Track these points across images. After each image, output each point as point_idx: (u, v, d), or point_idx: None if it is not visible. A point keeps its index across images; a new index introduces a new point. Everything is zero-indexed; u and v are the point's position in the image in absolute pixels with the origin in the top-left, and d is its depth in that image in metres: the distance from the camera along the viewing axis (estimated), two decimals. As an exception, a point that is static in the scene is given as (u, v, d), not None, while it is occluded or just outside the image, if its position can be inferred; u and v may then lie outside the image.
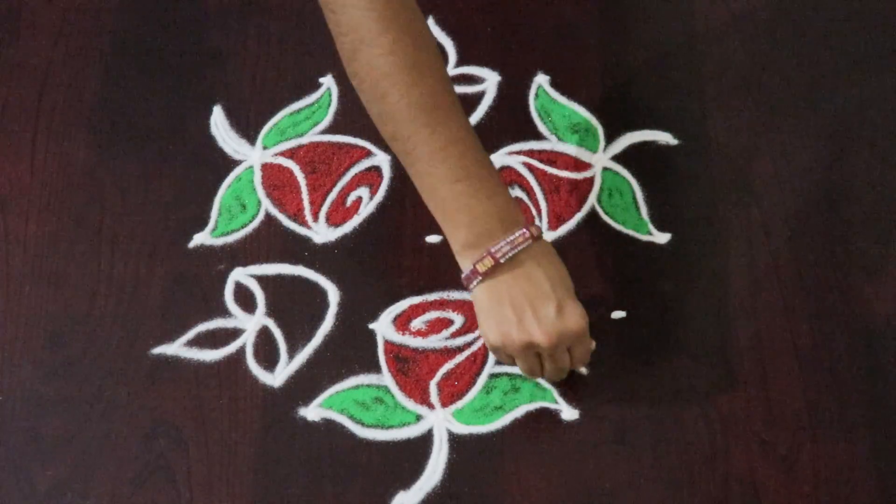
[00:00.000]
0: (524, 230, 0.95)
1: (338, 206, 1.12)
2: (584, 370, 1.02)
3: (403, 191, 1.13)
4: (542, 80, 1.19)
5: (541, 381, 1.03)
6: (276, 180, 1.14)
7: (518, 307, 0.95)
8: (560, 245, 1.09)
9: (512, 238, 0.94)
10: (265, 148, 1.16)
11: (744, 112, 1.17)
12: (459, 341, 1.05)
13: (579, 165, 1.14)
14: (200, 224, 1.12)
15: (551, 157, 1.14)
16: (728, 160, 1.14)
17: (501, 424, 1.01)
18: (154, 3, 1.26)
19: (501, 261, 0.94)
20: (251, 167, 1.15)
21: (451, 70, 1.18)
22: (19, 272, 1.10)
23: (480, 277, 0.95)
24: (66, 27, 1.24)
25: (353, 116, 1.17)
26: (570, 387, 1.02)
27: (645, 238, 1.10)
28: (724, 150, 1.15)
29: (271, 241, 1.11)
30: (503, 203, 0.96)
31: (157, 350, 1.05)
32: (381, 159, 1.15)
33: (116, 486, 0.99)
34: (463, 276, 0.97)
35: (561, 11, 1.24)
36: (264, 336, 1.06)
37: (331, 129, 1.17)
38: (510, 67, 1.20)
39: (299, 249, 1.10)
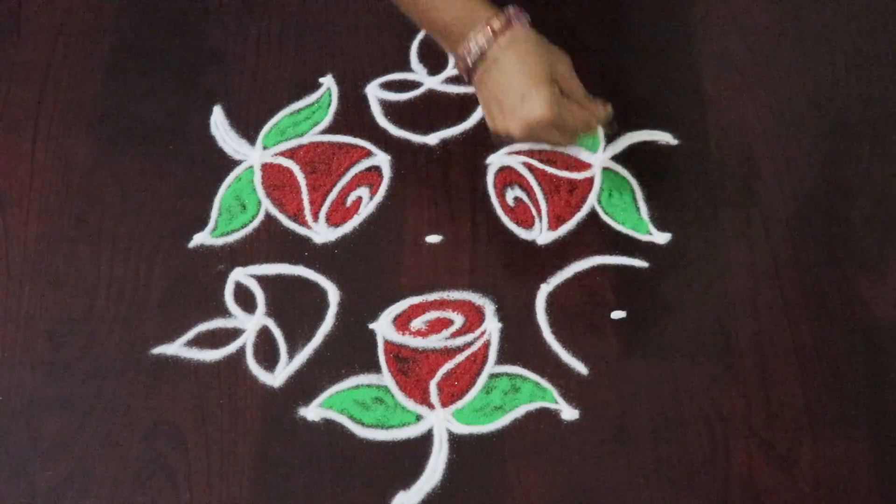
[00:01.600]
0: (485, 29, 0.99)
1: (338, 206, 1.12)
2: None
3: (403, 191, 1.13)
4: (542, 79, 1.19)
5: (543, 382, 1.03)
6: (276, 180, 1.14)
7: (495, 102, 1.00)
8: (560, 245, 1.09)
9: (471, 42, 1.00)
10: (265, 148, 1.16)
11: (744, 112, 1.17)
12: (459, 341, 1.05)
13: (579, 165, 1.14)
14: (200, 224, 1.12)
15: (551, 157, 1.14)
16: (728, 160, 1.14)
17: (501, 424, 1.01)
18: (154, 2, 1.26)
19: (471, 64, 1.01)
20: (251, 167, 1.15)
21: (451, 71, 1.18)
22: (19, 272, 1.10)
23: (466, 77, 1.03)
24: (66, 27, 1.24)
25: (353, 116, 1.17)
26: (570, 387, 1.02)
27: (645, 238, 1.10)
28: (724, 150, 1.15)
29: (271, 241, 1.11)
30: (461, 5, 1.00)
31: (157, 350, 1.05)
32: (381, 159, 1.15)
33: (116, 486, 0.99)
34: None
35: (561, 11, 1.24)
36: (264, 336, 1.06)
37: (331, 129, 1.17)
38: (510, 67, 1.20)
39: (299, 249, 1.10)
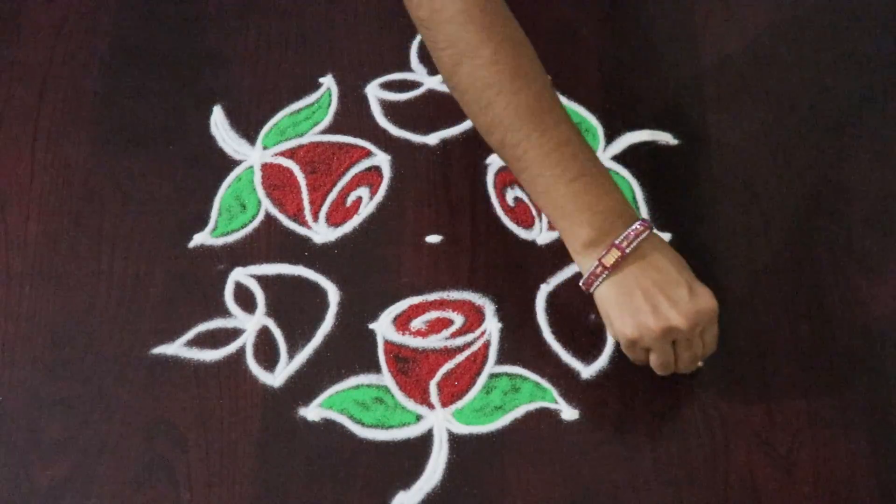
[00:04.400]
0: (642, 220, 0.96)
1: (338, 206, 1.12)
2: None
3: (403, 191, 1.13)
4: (542, 80, 1.19)
5: (543, 382, 1.03)
6: (276, 180, 1.14)
7: (651, 296, 0.95)
8: (560, 245, 1.09)
9: (634, 229, 0.96)
10: (265, 148, 1.16)
11: (744, 112, 1.17)
12: (459, 341, 1.05)
13: (579, 165, 1.14)
14: (200, 224, 1.12)
15: (551, 157, 1.14)
16: (728, 160, 1.14)
17: (501, 424, 1.01)
18: (154, 3, 1.26)
19: (627, 251, 0.95)
20: (251, 167, 1.15)
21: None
22: (19, 272, 1.09)
23: (606, 273, 0.96)
24: (66, 27, 1.24)
25: (353, 116, 1.17)
26: (570, 387, 1.02)
27: (645, 238, 1.10)
28: (724, 150, 1.15)
29: (271, 241, 1.11)
30: (620, 198, 0.97)
31: (157, 350, 1.05)
32: (381, 159, 1.15)
33: (116, 486, 0.99)
34: (585, 276, 0.97)
35: (561, 11, 1.24)
36: (264, 336, 1.06)
37: (331, 129, 1.17)
38: (510, 67, 1.20)
39: (299, 249, 1.10)
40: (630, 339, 0.97)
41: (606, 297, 0.97)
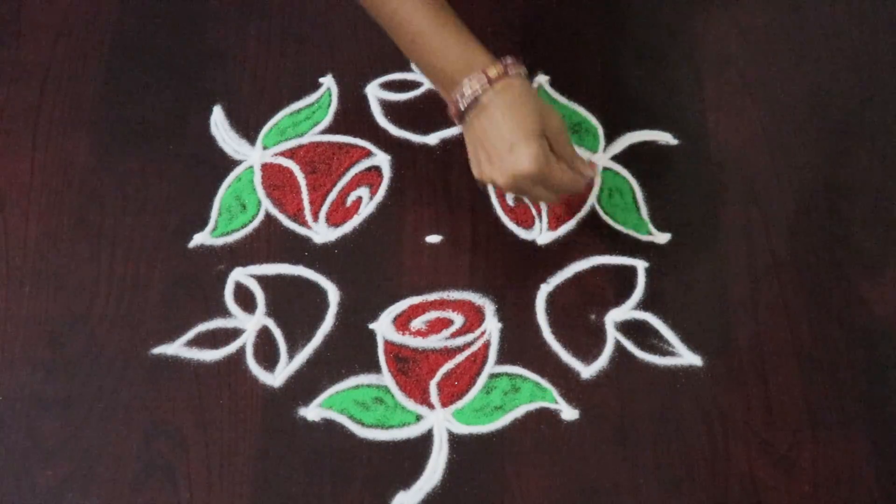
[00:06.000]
0: (480, 75, 0.98)
1: (338, 206, 1.12)
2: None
3: (403, 191, 1.13)
4: (542, 80, 1.19)
5: (543, 382, 1.03)
6: (276, 180, 1.14)
7: (482, 150, 1.00)
8: (560, 245, 1.09)
9: (466, 86, 0.99)
10: (265, 148, 1.16)
11: (744, 112, 1.17)
12: (459, 341, 1.05)
13: (579, 165, 1.14)
14: (200, 224, 1.12)
15: (551, 157, 1.14)
16: (728, 160, 1.14)
17: (501, 424, 1.01)
18: (154, 2, 1.26)
19: (461, 108, 1.00)
20: (251, 167, 1.15)
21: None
22: (19, 272, 1.10)
23: (457, 121, 1.02)
24: (66, 27, 1.24)
25: (353, 116, 1.17)
26: (570, 387, 1.03)
27: (645, 238, 1.10)
28: (724, 150, 1.15)
29: (271, 241, 1.11)
30: (458, 54, 1.00)
31: (157, 350, 1.05)
32: (381, 159, 1.15)
33: (116, 486, 0.99)
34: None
35: (561, 11, 1.24)
36: (264, 336, 1.06)
37: (331, 129, 1.17)
38: (510, 67, 1.20)
39: (299, 249, 1.10)
40: (479, 180, 1.03)
41: (466, 139, 1.03)
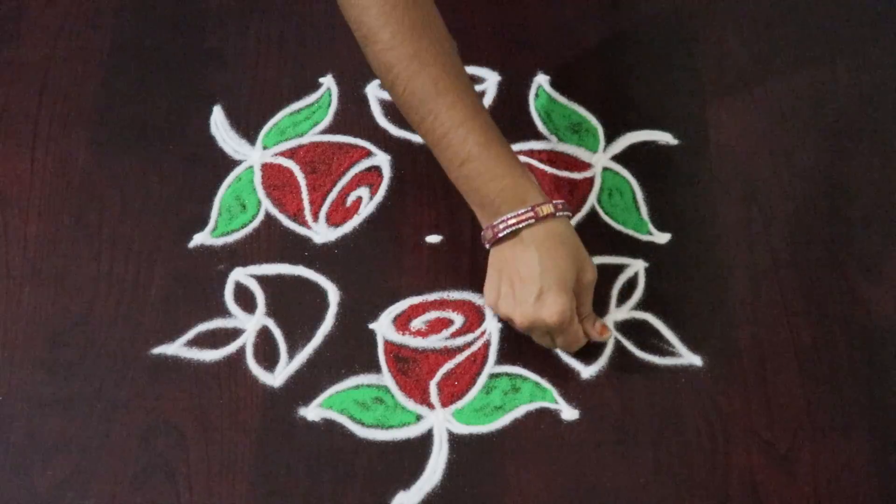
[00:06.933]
0: (528, 209, 0.97)
1: (338, 206, 1.12)
2: (583, 368, 1.03)
3: (403, 191, 1.13)
4: (542, 80, 1.19)
5: (543, 382, 1.03)
6: (276, 180, 1.14)
7: (507, 282, 0.99)
8: (560, 245, 1.09)
9: (513, 215, 0.98)
10: (265, 148, 1.16)
11: (744, 112, 1.17)
12: (459, 341, 1.05)
13: (579, 165, 1.14)
14: (200, 224, 1.12)
15: (551, 157, 1.14)
16: (728, 160, 1.14)
17: (501, 424, 1.01)
18: (154, 3, 1.26)
19: (499, 235, 0.98)
20: (251, 167, 1.15)
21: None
22: (19, 272, 1.10)
23: (488, 245, 1.01)
24: (66, 27, 1.24)
25: (353, 116, 1.17)
26: (570, 387, 1.02)
27: (645, 238, 1.10)
28: (724, 150, 1.15)
29: (271, 241, 1.11)
30: (509, 184, 0.98)
31: (157, 350, 1.05)
32: (381, 159, 1.15)
33: (116, 486, 0.99)
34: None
35: (561, 11, 1.24)
36: (264, 336, 1.06)
37: (331, 129, 1.17)
38: (510, 67, 1.20)
39: (299, 249, 1.10)
40: (487, 305, 1.04)
41: (489, 262, 1.02)
